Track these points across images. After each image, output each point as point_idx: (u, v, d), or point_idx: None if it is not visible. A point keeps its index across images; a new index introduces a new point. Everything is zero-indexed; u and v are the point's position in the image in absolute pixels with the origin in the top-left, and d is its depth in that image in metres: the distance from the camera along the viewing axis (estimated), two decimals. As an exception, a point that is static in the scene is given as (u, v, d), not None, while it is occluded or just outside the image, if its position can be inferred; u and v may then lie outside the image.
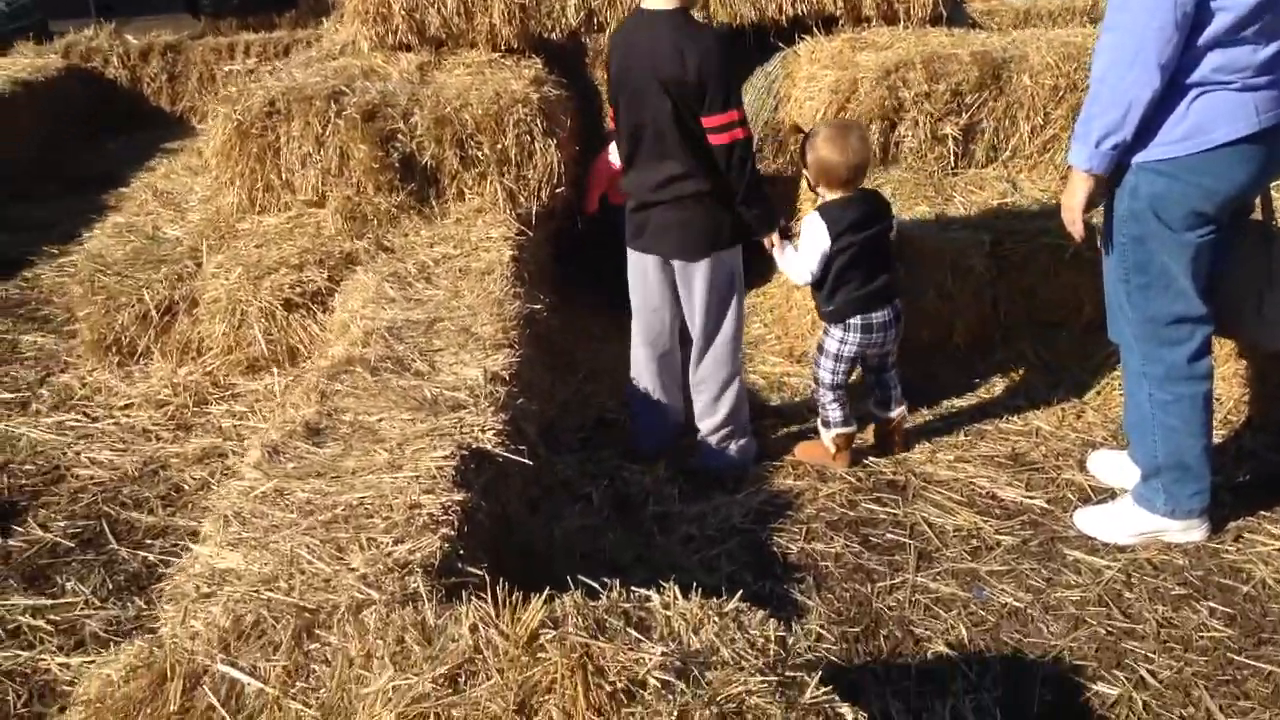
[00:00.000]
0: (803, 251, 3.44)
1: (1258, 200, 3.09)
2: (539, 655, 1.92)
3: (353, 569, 2.35)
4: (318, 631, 2.11)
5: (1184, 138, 2.79)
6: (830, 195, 3.43)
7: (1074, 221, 3.01)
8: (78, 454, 3.83)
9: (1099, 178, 2.93)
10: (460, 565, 2.42)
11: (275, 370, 4.13)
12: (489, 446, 2.84)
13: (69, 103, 7.97)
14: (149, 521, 3.44)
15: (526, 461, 2.89)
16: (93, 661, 2.60)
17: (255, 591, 2.28)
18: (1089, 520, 3.24)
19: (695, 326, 3.51)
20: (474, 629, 2.03)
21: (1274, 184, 3.13)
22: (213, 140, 4.56)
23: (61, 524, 3.44)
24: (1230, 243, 2.99)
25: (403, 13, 4.80)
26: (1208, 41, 2.69)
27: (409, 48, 4.93)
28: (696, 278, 3.42)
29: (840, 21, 4.88)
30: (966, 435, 3.75)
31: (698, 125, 3.22)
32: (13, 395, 4.25)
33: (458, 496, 2.58)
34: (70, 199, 6.57)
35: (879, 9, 4.84)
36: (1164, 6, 2.62)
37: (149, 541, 3.35)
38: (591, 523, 3.32)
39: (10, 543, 3.36)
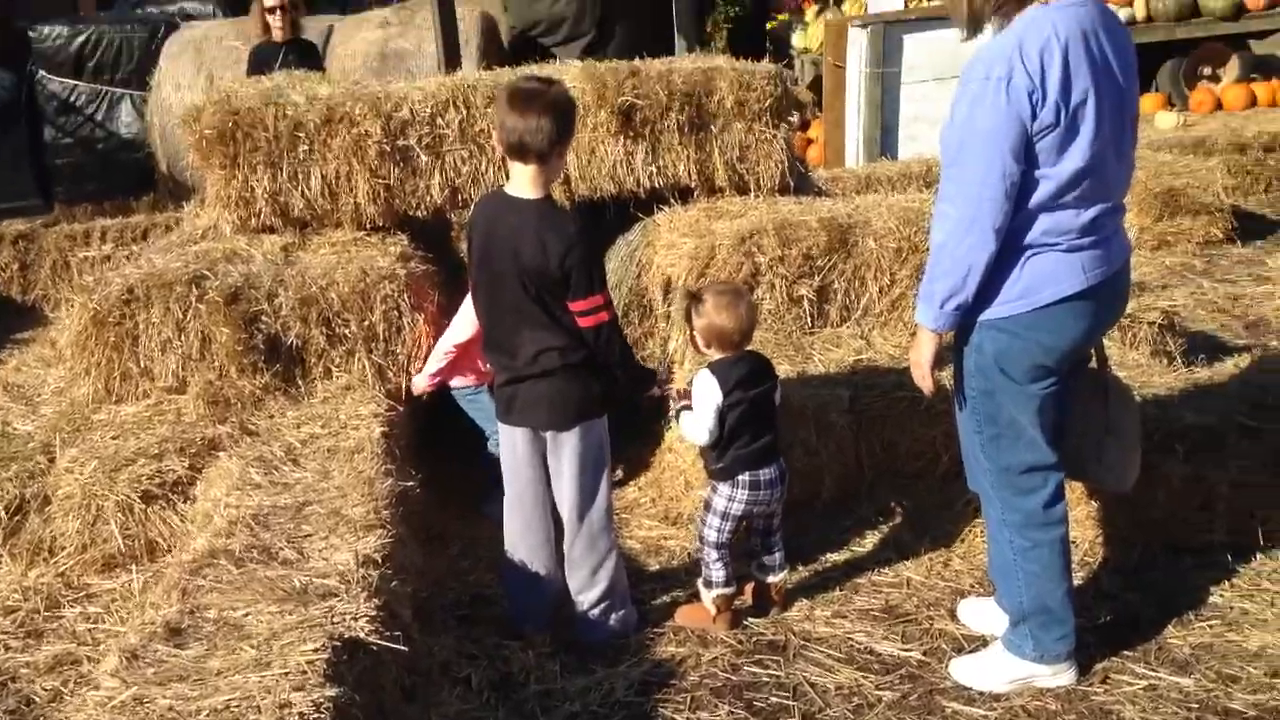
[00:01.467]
0: (698, 410, 3.52)
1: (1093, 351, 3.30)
2: None
3: (218, 780, 2.24)
4: None
5: (1020, 296, 2.98)
6: (719, 355, 3.54)
7: (924, 376, 3.17)
8: (-82, 668, 3.58)
9: (943, 336, 3.10)
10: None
11: (134, 567, 3.96)
12: (362, 635, 2.76)
13: (-84, 292, 7.71)
14: (-5, 739, 3.22)
15: (401, 648, 2.82)
16: None
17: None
18: (963, 670, 3.29)
19: (565, 502, 3.51)
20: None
21: (1105, 335, 3.34)
22: (68, 330, 4.46)
23: (-104, 749, 3.19)
24: (1071, 392, 3.17)
25: (266, 197, 4.83)
26: (1035, 206, 2.90)
27: (273, 229, 4.94)
28: (566, 448, 3.44)
29: (695, 192, 5.09)
30: (841, 590, 3.80)
31: (561, 307, 3.30)
32: None
33: (330, 692, 2.49)
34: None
35: (731, 180, 5.07)
36: (994, 178, 2.83)
37: (-5, 762, 3.12)
38: (471, 707, 3.22)
39: None
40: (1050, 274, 2.95)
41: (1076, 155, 2.86)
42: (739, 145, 5.03)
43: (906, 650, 3.43)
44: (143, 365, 4.43)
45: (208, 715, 2.42)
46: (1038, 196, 2.89)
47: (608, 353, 3.36)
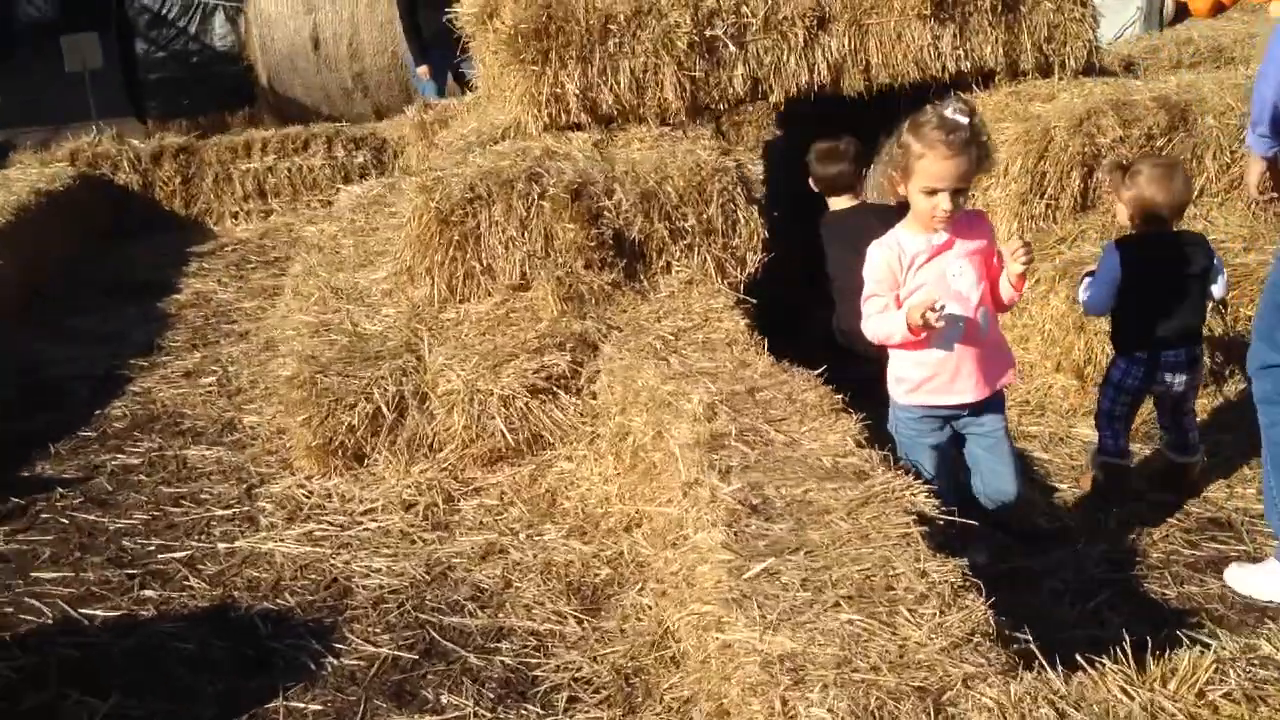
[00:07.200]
0: (1098, 279, 3.53)
1: None
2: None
3: (920, 644, 2.28)
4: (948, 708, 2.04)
5: None
6: (1144, 230, 3.52)
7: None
8: (347, 564, 3.60)
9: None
10: (1007, 631, 2.37)
11: (521, 459, 3.97)
12: (931, 511, 2.79)
13: (84, 211, 7.62)
14: (478, 624, 3.25)
15: (972, 524, 2.86)
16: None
17: (842, 674, 2.19)
18: (1238, 577, 3.15)
19: None
20: (1125, 691, 1.99)
21: None
22: (407, 231, 4.42)
23: (385, 637, 3.23)
24: None
25: (576, 93, 4.74)
26: None
27: (579, 126, 4.86)
28: None
29: (997, 76, 5.03)
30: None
31: None
32: (227, 511, 3.98)
33: (960, 561, 2.53)
34: (119, 307, 6.26)
35: (1036, 62, 5.01)
36: None
37: (492, 645, 3.16)
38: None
39: (345, 662, 3.14)
40: None
41: None
42: (1048, 25, 4.95)
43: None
44: (485, 263, 4.40)
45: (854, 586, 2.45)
46: None
47: None
